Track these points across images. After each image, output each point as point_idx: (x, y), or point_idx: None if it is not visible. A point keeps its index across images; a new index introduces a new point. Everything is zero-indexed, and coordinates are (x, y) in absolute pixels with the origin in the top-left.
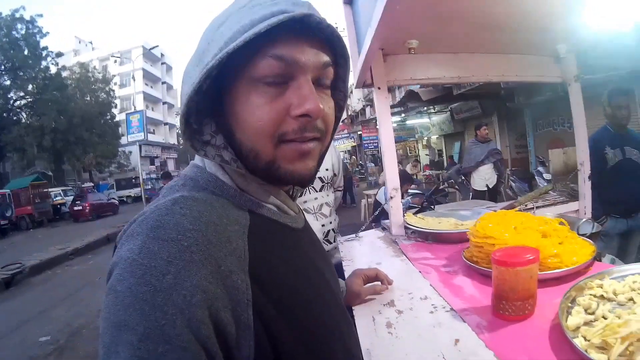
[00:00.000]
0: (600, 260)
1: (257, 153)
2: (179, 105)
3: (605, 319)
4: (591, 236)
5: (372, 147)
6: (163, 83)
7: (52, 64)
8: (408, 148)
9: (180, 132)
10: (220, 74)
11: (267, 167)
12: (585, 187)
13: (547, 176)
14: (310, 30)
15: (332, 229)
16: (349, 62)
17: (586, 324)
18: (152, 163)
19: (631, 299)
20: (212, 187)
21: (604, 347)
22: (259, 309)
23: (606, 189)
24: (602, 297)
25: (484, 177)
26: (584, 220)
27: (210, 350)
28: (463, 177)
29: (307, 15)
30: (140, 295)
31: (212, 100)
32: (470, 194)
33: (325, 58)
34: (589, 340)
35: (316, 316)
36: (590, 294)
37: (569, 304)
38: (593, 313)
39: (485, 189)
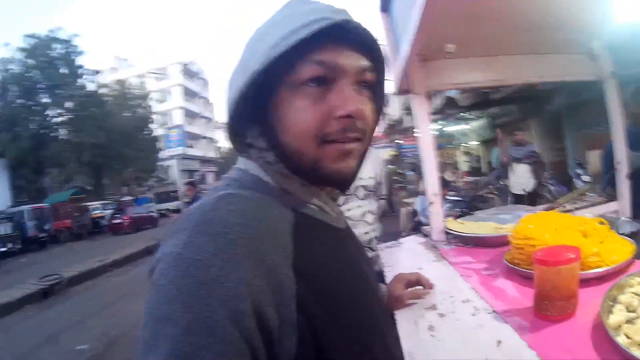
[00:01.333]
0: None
1: (302, 153)
2: (216, 118)
3: None
4: (631, 235)
5: (412, 155)
6: (201, 98)
7: (90, 81)
8: (447, 155)
9: (226, 134)
10: (264, 80)
11: (311, 166)
12: (623, 187)
13: (585, 178)
14: (349, 35)
15: (375, 237)
16: (385, 66)
17: (628, 322)
18: (191, 177)
19: None
20: (256, 187)
21: None
22: (303, 304)
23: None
24: None
25: (520, 181)
26: (623, 219)
27: (253, 343)
28: (502, 182)
29: (346, 21)
30: (183, 288)
31: (256, 105)
32: (509, 199)
33: (365, 62)
34: (631, 338)
35: (357, 313)
36: (632, 292)
37: (610, 303)
38: (634, 311)
39: (523, 192)
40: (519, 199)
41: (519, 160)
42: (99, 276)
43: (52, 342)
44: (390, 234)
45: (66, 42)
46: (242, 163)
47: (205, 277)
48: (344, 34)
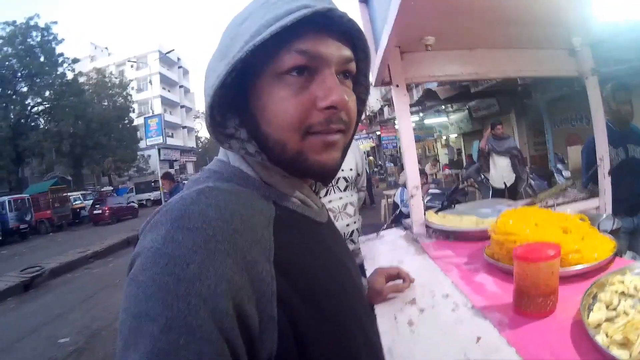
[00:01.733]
0: (621, 257)
1: (285, 145)
2: (197, 107)
3: (627, 314)
4: (612, 232)
5: (391, 147)
6: (180, 87)
7: (69, 70)
8: (427, 147)
9: (205, 124)
10: (245, 68)
11: (294, 158)
12: (605, 183)
13: (566, 173)
14: (332, 24)
15: (357, 229)
16: (370, 56)
17: (608, 320)
18: (171, 166)
19: None
20: (236, 179)
21: (625, 344)
22: (283, 300)
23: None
24: (623, 293)
25: (501, 174)
26: (604, 216)
27: (233, 341)
28: (482, 175)
29: (330, 9)
30: (163, 285)
31: (236, 94)
32: (490, 193)
33: (348, 52)
34: (610, 337)
35: (339, 307)
36: (612, 290)
37: (591, 300)
38: (615, 309)
39: (504, 187)
40: (499, 193)
41: (499, 153)
42: (80, 268)
43: (33, 336)
44: (371, 226)
45: (44, 29)
46: (222, 154)
47: (184, 274)
48: (328, 22)
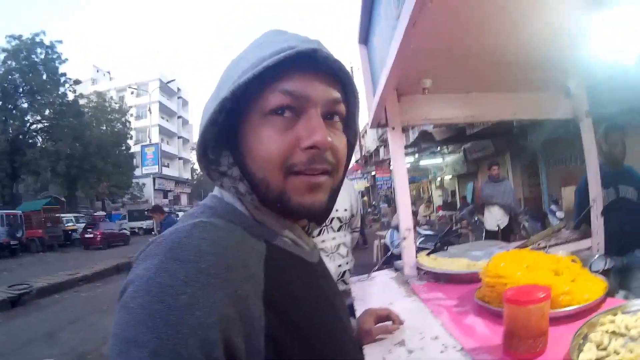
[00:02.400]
0: (614, 297)
1: (268, 183)
2: (194, 139)
3: (617, 354)
4: (604, 272)
5: (386, 187)
6: (179, 117)
7: (70, 90)
8: (421, 189)
9: (198, 161)
10: (235, 108)
11: (278, 198)
12: (597, 224)
13: (559, 214)
14: (319, 65)
15: (348, 270)
16: (358, 99)
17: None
18: (166, 196)
19: None
20: (230, 216)
21: None
22: (272, 336)
23: None
24: (614, 332)
25: (495, 217)
26: (596, 256)
27: None
28: (476, 218)
29: (314, 50)
30: (153, 313)
31: (228, 133)
32: (483, 235)
33: (335, 94)
34: None
35: (328, 346)
36: (603, 330)
37: (581, 341)
38: (605, 349)
39: (497, 229)
40: (492, 235)
41: (494, 204)
42: (68, 290)
43: (18, 353)
44: (363, 266)
45: (49, 47)
46: (217, 191)
47: (175, 304)
48: (314, 63)
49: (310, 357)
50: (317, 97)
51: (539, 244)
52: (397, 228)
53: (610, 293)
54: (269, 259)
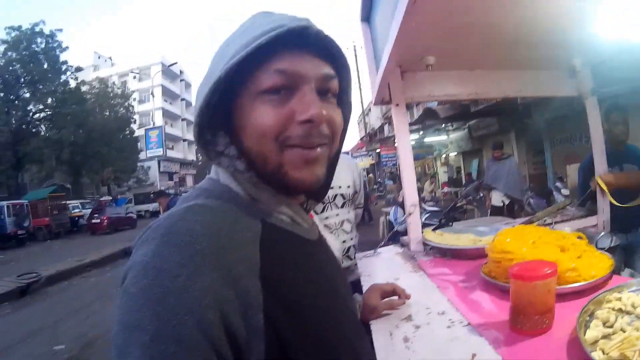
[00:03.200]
0: (619, 274)
1: (265, 158)
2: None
3: (624, 332)
4: (610, 250)
5: (391, 164)
6: (182, 100)
7: (72, 78)
8: (426, 166)
9: (196, 143)
10: (229, 88)
11: (275, 172)
12: (603, 202)
13: (565, 192)
14: (310, 42)
15: (353, 245)
16: (350, 74)
17: (604, 337)
18: (171, 179)
19: None
20: (225, 197)
21: None
22: (270, 314)
23: None
24: (620, 310)
25: (499, 194)
26: (602, 234)
27: (221, 351)
28: (482, 194)
29: (305, 27)
30: (152, 297)
31: (224, 114)
32: (488, 210)
33: (327, 69)
34: (607, 354)
35: (325, 325)
36: (609, 307)
37: (587, 318)
38: (611, 326)
39: (502, 205)
40: (498, 211)
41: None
42: (77, 276)
43: (28, 341)
44: (369, 242)
45: (49, 36)
46: (214, 172)
47: (172, 286)
48: (306, 41)
49: (307, 333)
50: (310, 74)
51: (544, 221)
52: (400, 205)
53: (615, 270)
54: (264, 239)
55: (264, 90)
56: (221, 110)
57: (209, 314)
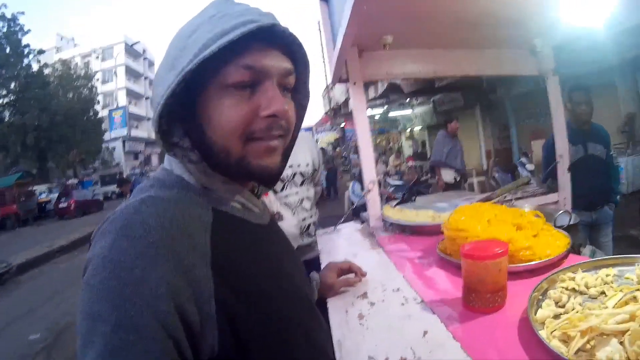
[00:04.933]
0: (579, 252)
1: (228, 151)
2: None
3: (576, 312)
4: (569, 228)
5: (355, 139)
6: (145, 78)
7: (34, 61)
8: (391, 140)
9: (154, 133)
10: (192, 79)
11: (237, 163)
12: (564, 179)
13: (529, 167)
14: (275, 38)
15: (313, 223)
16: (309, 67)
17: (555, 317)
18: (136, 158)
19: (603, 293)
20: (177, 188)
21: (566, 340)
22: (222, 300)
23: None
24: (574, 290)
25: (450, 173)
26: (561, 212)
27: (177, 339)
28: (430, 173)
29: (273, 24)
30: (111, 288)
31: (182, 104)
32: (441, 190)
33: (289, 65)
34: (551, 333)
35: (277, 308)
36: (562, 287)
37: (540, 297)
38: (563, 306)
39: (454, 181)
40: (452, 188)
41: (446, 166)
42: (47, 263)
43: (3, 333)
44: (333, 217)
45: (11, 20)
46: (167, 163)
47: (129, 278)
48: (271, 37)
49: (259, 317)
50: (274, 70)
51: (504, 197)
52: (359, 179)
53: (575, 249)
54: (215, 227)
55: (230, 84)
56: (179, 100)
57: (164, 303)
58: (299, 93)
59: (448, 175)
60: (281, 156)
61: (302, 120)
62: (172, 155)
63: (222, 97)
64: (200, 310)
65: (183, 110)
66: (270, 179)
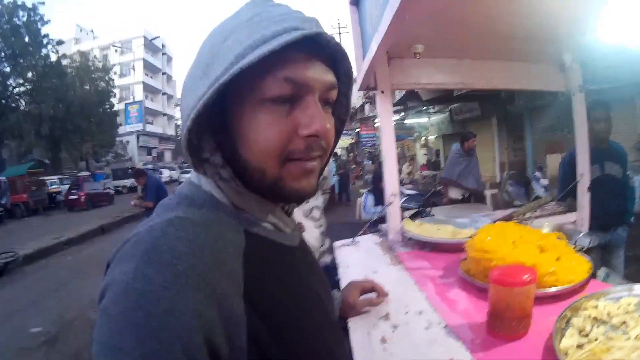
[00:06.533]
0: (595, 275)
1: (264, 172)
2: (178, 95)
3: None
4: (588, 250)
5: (370, 144)
6: (163, 74)
7: (53, 52)
8: (406, 147)
9: (183, 149)
10: (224, 89)
11: (273, 184)
12: (584, 199)
13: (543, 182)
14: (318, 47)
15: (321, 232)
16: (352, 79)
17: (579, 346)
18: (149, 153)
19: (624, 323)
20: (207, 206)
21: None
22: (254, 333)
23: None
24: (596, 319)
25: (459, 191)
26: (582, 234)
27: None
28: (439, 188)
29: (319, 33)
30: (135, 320)
31: (213, 116)
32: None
33: (333, 79)
34: None
35: (308, 340)
36: (585, 315)
37: (564, 325)
38: (587, 335)
39: (461, 197)
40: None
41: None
42: (54, 254)
43: (5, 324)
44: (345, 224)
45: (31, 9)
46: (194, 176)
47: (155, 310)
48: (313, 44)
49: (290, 350)
50: (316, 83)
51: (524, 215)
52: (372, 191)
53: (593, 272)
54: (247, 252)
55: (268, 98)
56: (210, 112)
57: (195, 337)
58: (339, 105)
59: (455, 193)
60: (317, 178)
61: (340, 135)
62: (201, 173)
63: (258, 112)
64: (231, 345)
65: (214, 122)
66: (302, 200)
